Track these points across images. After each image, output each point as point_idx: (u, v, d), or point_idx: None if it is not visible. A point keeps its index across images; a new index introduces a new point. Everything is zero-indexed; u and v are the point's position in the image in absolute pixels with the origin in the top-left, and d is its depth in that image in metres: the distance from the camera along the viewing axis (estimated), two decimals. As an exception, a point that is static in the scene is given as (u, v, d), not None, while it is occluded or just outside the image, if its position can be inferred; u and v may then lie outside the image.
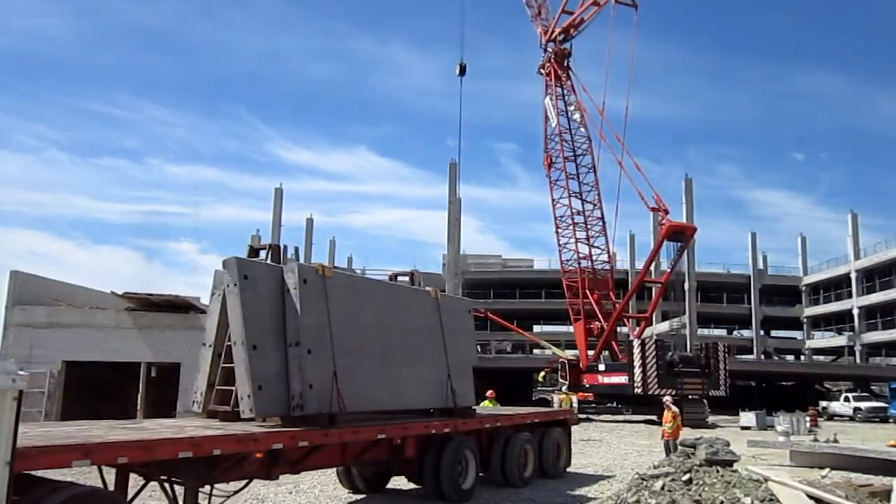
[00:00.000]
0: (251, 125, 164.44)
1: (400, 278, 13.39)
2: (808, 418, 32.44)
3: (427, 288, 12.84)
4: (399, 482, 12.87)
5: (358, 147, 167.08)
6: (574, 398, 38.18)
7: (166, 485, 8.10)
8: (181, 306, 24.07)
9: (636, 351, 35.91)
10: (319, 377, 9.22)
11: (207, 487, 8.32)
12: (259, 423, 8.92)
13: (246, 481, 8.96)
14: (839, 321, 68.62)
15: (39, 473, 6.15)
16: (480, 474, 12.55)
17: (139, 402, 22.33)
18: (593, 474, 16.16)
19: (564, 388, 40.95)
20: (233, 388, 9.07)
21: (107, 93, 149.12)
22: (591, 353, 41.97)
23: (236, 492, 9.17)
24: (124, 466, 7.19)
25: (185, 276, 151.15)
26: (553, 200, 43.05)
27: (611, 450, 21.79)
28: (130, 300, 24.09)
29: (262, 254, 10.49)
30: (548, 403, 41.12)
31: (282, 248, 10.81)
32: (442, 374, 12.01)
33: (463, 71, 36.25)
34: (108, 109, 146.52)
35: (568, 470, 15.63)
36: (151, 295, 23.87)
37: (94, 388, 23.30)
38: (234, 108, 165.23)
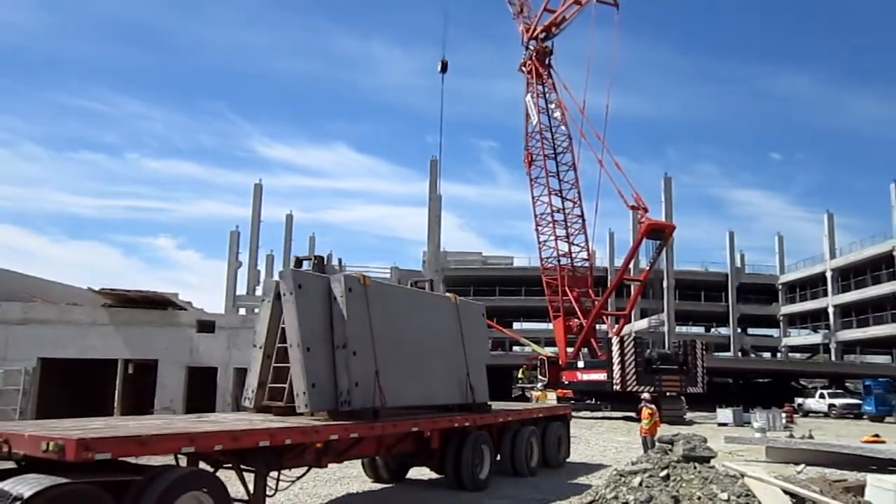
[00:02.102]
0: (230, 120, 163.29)
1: (420, 284, 14.61)
2: (783, 415, 32.77)
3: (447, 294, 14.17)
4: (416, 472, 13.89)
5: (337, 143, 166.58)
6: (551, 395, 38.36)
7: (234, 471, 8.71)
8: (159, 302, 23.85)
9: (615, 348, 36.09)
10: (363, 376, 10.32)
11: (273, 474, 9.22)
12: (308, 417, 9.82)
13: (305, 469, 9.96)
14: (815, 319, 69.51)
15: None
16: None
17: (116, 399, 22.11)
18: (590, 463, 17.27)
19: (540, 386, 41.19)
20: (283, 385, 10.25)
21: (83, 87, 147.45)
22: (570, 350, 42.12)
23: (298, 478, 10.19)
24: (217, 453, 8.07)
25: (163, 271, 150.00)
26: (533, 198, 43.18)
27: (590, 446, 21.89)
28: (107, 296, 23.81)
29: (306, 264, 11.71)
30: (528, 401, 41.24)
31: (324, 259, 12.00)
32: (461, 373, 13.19)
33: (444, 68, 36.20)
34: (85, 104, 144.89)
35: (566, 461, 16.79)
36: (129, 291, 23.62)
37: (70, 385, 23.03)
38: (213, 103, 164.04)
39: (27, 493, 5.72)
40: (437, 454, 12.42)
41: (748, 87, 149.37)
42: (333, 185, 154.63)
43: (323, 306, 10.35)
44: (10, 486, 5.90)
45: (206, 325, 22.92)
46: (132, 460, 7.20)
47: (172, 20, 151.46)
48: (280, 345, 10.38)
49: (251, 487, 8.66)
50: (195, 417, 10.76)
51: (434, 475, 13.47)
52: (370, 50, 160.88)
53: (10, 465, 6.91)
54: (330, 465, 10.51)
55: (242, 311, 63.61)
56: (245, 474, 8.71)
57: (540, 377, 42.21)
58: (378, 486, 13.26)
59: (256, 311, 62.91)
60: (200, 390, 22.27)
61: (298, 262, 11.62)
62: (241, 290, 68.51)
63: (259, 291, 71.64)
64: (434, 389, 12.49)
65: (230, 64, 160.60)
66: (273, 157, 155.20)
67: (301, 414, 9.84)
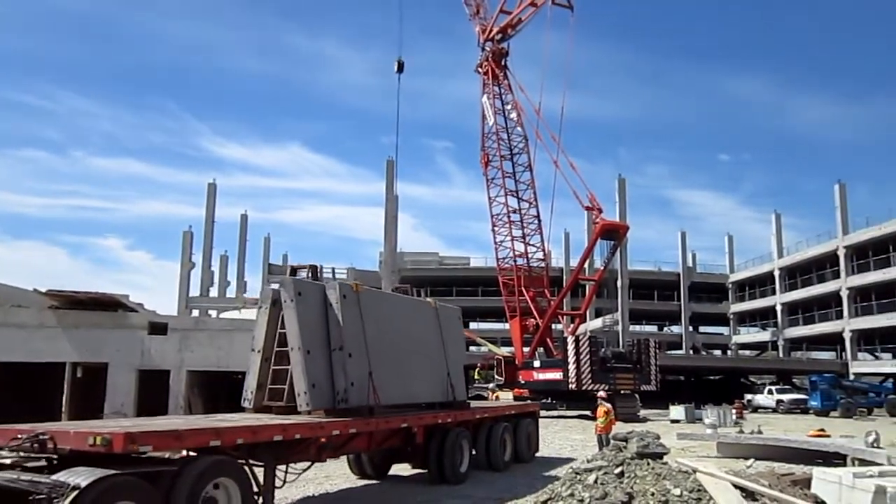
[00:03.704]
0: (180, 119, 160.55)
1: (401, 290, 15.58)
2: (734, 411, 33.46)
3: (427, 299, 15.02)
4: (398, 469, 14.51)
5: (291, 143, 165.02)
6: (507, 395, 38.54)
7: (245, 465, 9.12)
8: (109, 304, 23.29)
9: (570, 347, 36.46)
10: (358, 376, 11.21)
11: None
12: (308, 416, 10.46)
13: (308, 464, 10.93)
14: (763, 317, 71.18)
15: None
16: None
17: (64, 403, 21.53)
18: (559, 457, 18.06)
19: (493, 385, 41.42)
20: (282, 386, 11.00)
21: (24, 81, 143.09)
22: (526, 349, 42.37)
23: (304, 471, 11.15)
24: (234, 446, 8.58)
25: (112, 273, 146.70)
26: (490, 198, 43.30)
27: (546, 445, 21.97)
28: (55, 298, 23.17)
29: (300, 272, 12.48)
30: (484, 400, 41.38)
31: (317, 268, 12.79)
32: (442, 372, 14.17)
33: (401, 68, 35.97)
34: (26, 99, 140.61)
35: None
36: (77, 292, 23.02)
37: (15, 390, 22.37)
38: (163, 100, 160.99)
39: (84, 483, 6.33)
40: (421, 449, 13.16)
41: (698, 90, 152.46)
42: (288, 185, 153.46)
43: (320, 312, 11.16)
44: (64, 476, 6.48)
45: (158, 328, 22.45)
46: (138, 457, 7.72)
47: (118, 13, 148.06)
48: (278, 348, 11.13)
49: (261, 480, 9.18)
50: (206, 417, 11.52)
51: (413, 472, 14.10)
52: (324, 49, 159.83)
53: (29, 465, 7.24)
54: (292, 467, 10.67)
55: (196, 313, 62.50)
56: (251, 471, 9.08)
57: (496, 377, 42.41)
58: (339, 487, 13.28)
59: (210, 313, 62.00)
60: (152, 393, 21.83)
61: (293, 270, 12.37)
62: (195, 291, 67.30)
63: (213, 293, 70.55)
64: (419, 388, 13.43)
65: (180, 60, 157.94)
66: (226, 156, 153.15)
67: (301, 413, 10.52)
